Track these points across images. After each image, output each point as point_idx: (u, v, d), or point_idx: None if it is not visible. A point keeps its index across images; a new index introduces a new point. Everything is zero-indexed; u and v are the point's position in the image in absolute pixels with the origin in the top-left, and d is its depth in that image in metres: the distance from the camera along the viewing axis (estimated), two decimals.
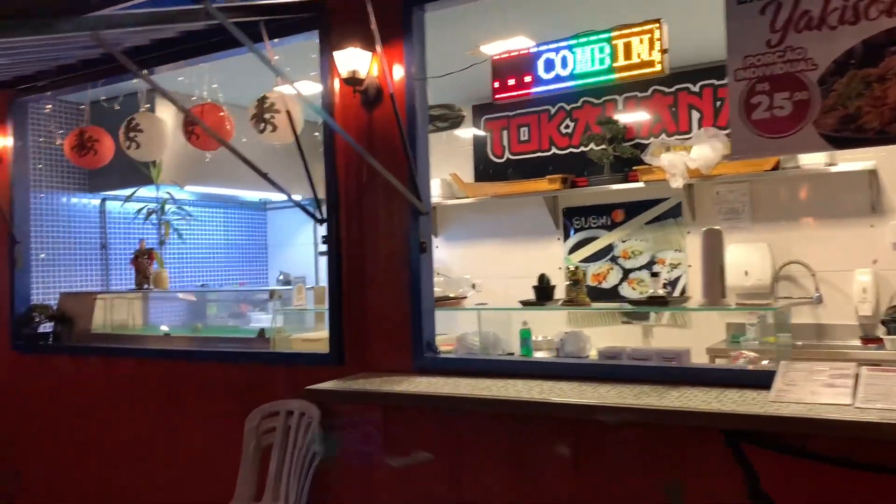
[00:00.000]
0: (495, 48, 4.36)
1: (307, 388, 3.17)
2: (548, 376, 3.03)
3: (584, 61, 2.90)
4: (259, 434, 3.60)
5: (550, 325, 4.37)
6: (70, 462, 4.56)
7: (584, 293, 3.43)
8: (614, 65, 2.84)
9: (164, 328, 4.67)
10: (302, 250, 6.83)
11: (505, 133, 5.72)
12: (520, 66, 3.07)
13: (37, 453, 4.70)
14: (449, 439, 3.19)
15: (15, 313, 4.78)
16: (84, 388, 4.51)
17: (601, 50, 2.86)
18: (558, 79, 2.96)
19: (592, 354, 3.61)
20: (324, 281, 6.08)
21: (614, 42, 2.87)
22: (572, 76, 2.92)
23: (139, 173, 5.10)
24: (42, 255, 4.92)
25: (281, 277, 6.52)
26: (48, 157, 5.10)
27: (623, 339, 4.96)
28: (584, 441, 2.89)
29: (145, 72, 3.87)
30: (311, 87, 4.14)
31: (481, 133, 5.82)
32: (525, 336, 3.68)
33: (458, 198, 5.62)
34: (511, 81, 3.10)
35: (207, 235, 6.15)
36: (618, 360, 2.96)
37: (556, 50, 2.93)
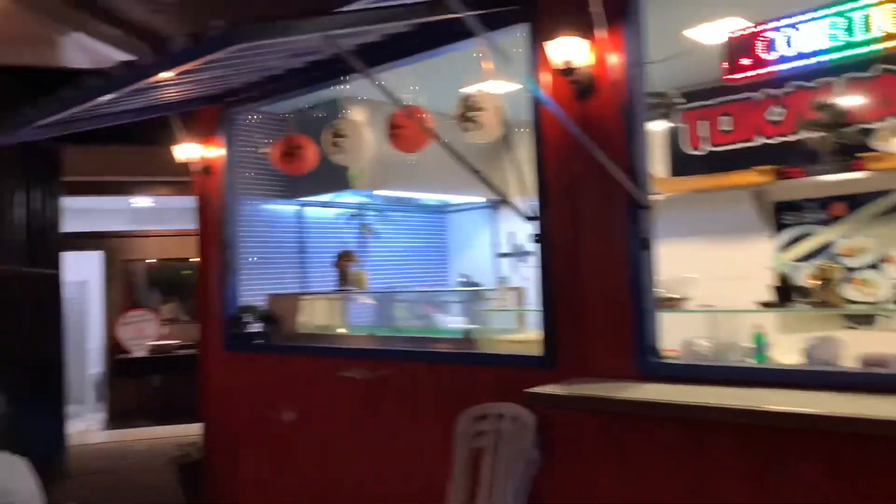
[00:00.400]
0: (700, 32, 4.09)
1: (528, 391, 3.06)
2: (796, 385, 2.73)
3: (840, 32, 2.59)
4: (470, 438, 3.54)
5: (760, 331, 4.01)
6: (280, 458, 4.74)
7: (836, 293, 3.08)
8: (882, 33, 2.51)
9: (361, 327, 4.75)
10: (481, 252, 6.79)
11: (702, 124, 5.36)
12: (759, 42, 2.79)
13: (250, 448, 4.93)
14: (682, 451, 2.96)
15: (227, 314, 5.06)
16: (292, 386, 4.68)
17: (864, 18, 2.54)
18: (809, 54, 2.66)
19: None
20: (506, 282, 6.02)
21: (879, 8, 2.53)
22: (827, 50, 2.61)
23: (335, 179, 5.25)
24: (253, 259, 5.17)
25: (462, 279, 6.52)
26: (252, 166, 5.36)
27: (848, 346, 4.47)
28: (846, 459, 2.57)
29: (344, 75, 3.95)
30: (504, 86, 4.06)
31: (674, 125, 5.49)
32: (759, 341, 3.37)
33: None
34: (748, 60, 2.84)
35: (392, 239, 6.25)
36: (886, 369, 2.61)
37: (811, 21, 2.63)
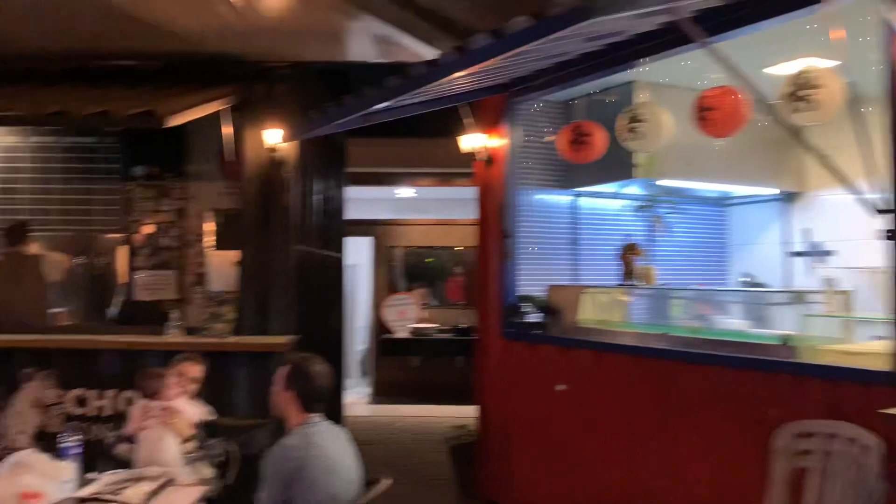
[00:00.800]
0: None
1: (884, 412, 2.63)
2: None
3: None
4: (791, 456, 3.16)
5: None
6: (556, 450, 4.66)
7: None
8: None
9: (648, 325, 4.50)
10: (766, 250, 6.19)
11: None
12: None
13: (525, 437, 4.92)
14: None
15: (506, 302, 5.08)
16: (571, 379, 4.57)
17: None
18: None
19: None
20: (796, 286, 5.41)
21: None
22: None
23: (615, 168, 5.04)
24: (533, 249, 5.15)
25: (744, 279, 5.98)
26: (532, 155, 5.33)
27: None
28: None
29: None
30: (826, 62, 3.56)
31: None
32: None
33: None
34: None
35: (672, 232, 5.88)
36: None
37: None
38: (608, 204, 5.74)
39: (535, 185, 5.41)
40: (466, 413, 8.33)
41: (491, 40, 2.81)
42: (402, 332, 10.15)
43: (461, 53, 3.04)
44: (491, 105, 5.20)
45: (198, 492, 3.17)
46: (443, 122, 6.07)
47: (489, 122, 5.23)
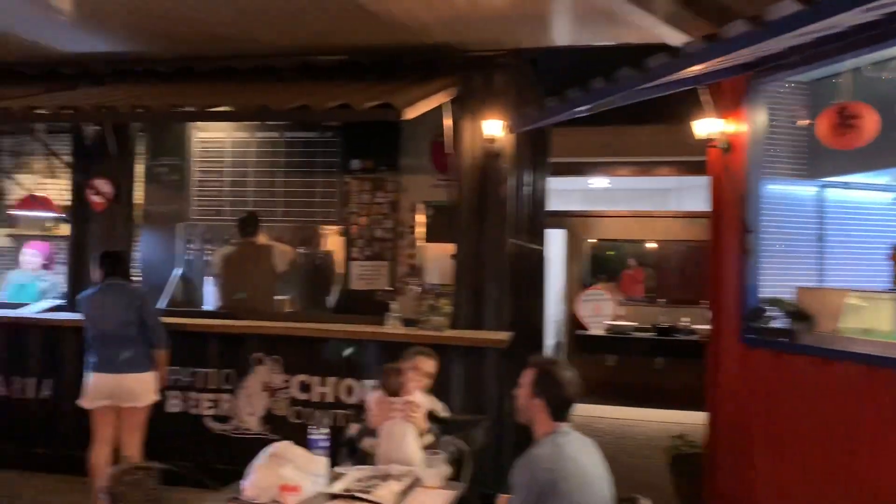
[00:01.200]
0: None
1: None
2: None
3: None
4: None
5: None
6: (806, 473, 4.15)
7: None
8: None
9: None
10: None
11: None
12: None
13: (765, 453, 4.44)
14: None
15: (745, 305, 4.61)
16: (828, 396, 4.03)
17: None
18: None
19: None
20: None
21: None
22: None
23: (880, 155, 4.40)
24: (780, 246, 4.64)
25: None
26: (775, 141, 4.80)
27: None
28: None
29: None
30: None
31: None
32: None
33: None
34: None
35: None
36: None
37: None
38: (863, 196, 5.06)
39: (777, 174, 4.86)
40: (671, 418, 7.88)
41: (801, 7, 2.42)
42: (597, 329, 9.77)
43: (756, 26, 2.67)
44: (730, 87, 4.72)
45: (446, 496, 3.08)
46: (648, 108, 5.64)
47: (728, 106, 4.75)
